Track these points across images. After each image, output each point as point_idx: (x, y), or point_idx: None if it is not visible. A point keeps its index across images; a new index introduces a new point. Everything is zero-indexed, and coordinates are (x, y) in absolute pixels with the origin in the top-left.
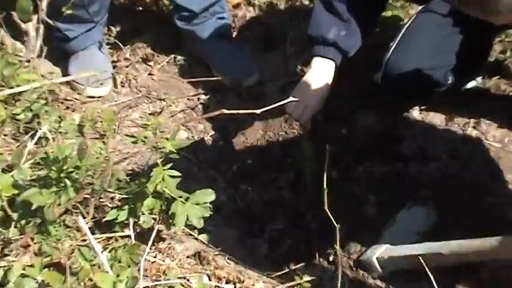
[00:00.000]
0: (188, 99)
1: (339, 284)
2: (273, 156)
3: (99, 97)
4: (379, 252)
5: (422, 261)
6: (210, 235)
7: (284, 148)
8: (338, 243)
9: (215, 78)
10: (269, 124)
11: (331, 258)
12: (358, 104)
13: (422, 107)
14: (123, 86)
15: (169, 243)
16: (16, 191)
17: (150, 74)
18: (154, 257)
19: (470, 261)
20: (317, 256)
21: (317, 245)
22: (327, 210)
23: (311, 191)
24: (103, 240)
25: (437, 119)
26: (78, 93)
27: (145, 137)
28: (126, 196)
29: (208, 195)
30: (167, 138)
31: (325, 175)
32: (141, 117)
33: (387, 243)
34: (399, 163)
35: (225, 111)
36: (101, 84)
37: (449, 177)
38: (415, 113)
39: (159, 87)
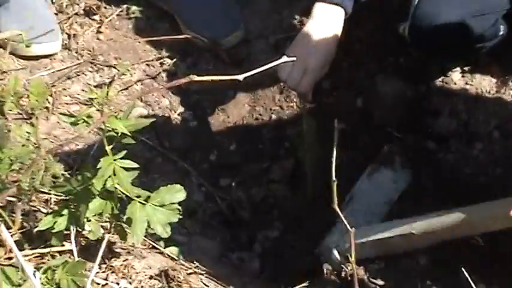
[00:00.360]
0: (147, 64)
1: None
2: (263, 139)
3: (47, 56)
4: (335, 240)
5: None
6: (180, 248)
7: (278, 129)
8: (353, 253)
9: (183, 36)
10: (258, 96)
11: (343, 273)
12: (377, 66)
13: (464, 68)
14: None
15: (125, 260)
16: None
17: (97, 33)
18: (106, 278)
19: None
20: (325, 271)
21: (324, 257)
22: (337, 210)
23: (314, 184)
24: (35, 257)
25: (485, 84)
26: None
27: (89, 117)
28: (65, 197)
29: (176, 194)
30: (119, 117)
31: (333, 163)
32: (83, 90)
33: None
34: (434, 144)
35: (196, 78)
36: (48, 39)
37: (499, 162)
38: (456, 77)
39: (107, 49)
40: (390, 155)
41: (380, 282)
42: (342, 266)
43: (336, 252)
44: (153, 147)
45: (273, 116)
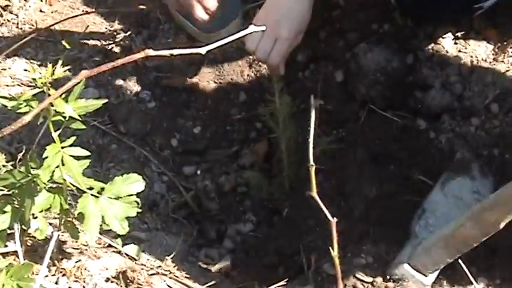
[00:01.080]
0: (98, 39)
1: None
2: (231, 121)
3: None
4: (409, 253)
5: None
6: (140, 246)
7: (248, 108)
8: (336, 247)
9: (139, 8)
10: (224, 72)
11: (327, 269)
12: (359, 33)
13: (457, 34)
14: None
15: (77, 261)
16: None
17: (40, 4)
18: (56, 282)
19: None
20: (305, 267)
21: (304, 252)
22: (317, 198)
23: (289, 169)
24: None
25: (481, 51)
26: None
27: (33, 99)
28: (7, 192)
29: (134, 184)
30: (66, 99)
31: (310, 144)
32: (25, 70)
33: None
34: (424, 121)
35: (152, 52)
36: None
37: (500, 139)
38: (447, 44)
39: (51, 21)
40: (464, 162)
41: (368, 279)
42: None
43: (408, 267)
44: (107, 132)
45: (242, 94)
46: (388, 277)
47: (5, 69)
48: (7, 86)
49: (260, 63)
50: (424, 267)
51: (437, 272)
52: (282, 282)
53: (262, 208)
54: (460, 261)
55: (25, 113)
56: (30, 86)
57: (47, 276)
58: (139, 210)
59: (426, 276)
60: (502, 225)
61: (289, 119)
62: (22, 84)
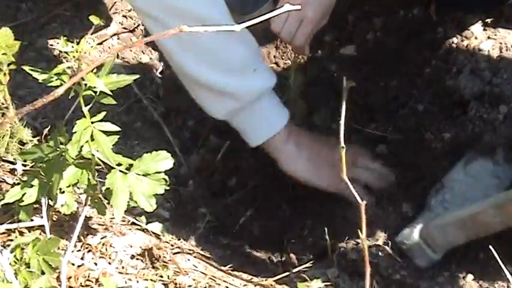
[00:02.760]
0: (124, 16)
1: None
2: None
3: None
4: (421, 226)
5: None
6: (166, 224)
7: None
8: (364, 230)
9: None
10: None
11: (351, 254)
12: (385, 19)
13: (486, 20)
14: None
15: (103, 237)
16: None
17: None
18: (82, 258)
19: None
20: (329, 250)
21: (329, 234)
22: (347, 180)
23: None
24: (1, 234)
25: (510, 38)
26: None
27: (65, 73)
28: (35, 167)
29: (162, 162)
30: (97, 74)
31: (342, 125)
32: (51, 45)
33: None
34: (454, 107)
35: (186, 28)
36: None
37: None
38: (477, 30)
39: None
40: (491, 145)
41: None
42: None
43: (419, 239)
44: (131, 109)
45: None
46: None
47: (31, 45)
48: (34, 59)
49: (285, 43)
50: (435, 243)
51: (446, 251)
52: (308, 264)
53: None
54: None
55: (56, 87)
56: (55, 62)
57: (73, 252)
58: (167, 188)
59: (435, 252)
60: None
61: (300, 97)
62: (48, 60)
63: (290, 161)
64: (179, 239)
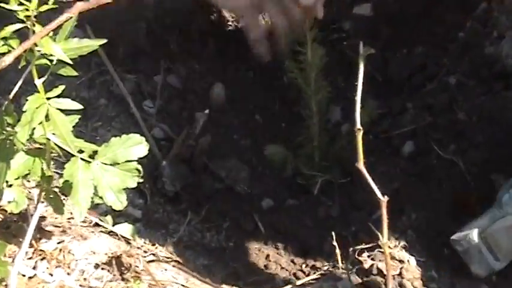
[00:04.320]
0: None
1: None
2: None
3: None
4: (485, 225)
5: None
6: (137, 225)
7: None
8: (385, 233)
9: None
10: None
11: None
12: None
13: None
14: None
15: (60, 242)
16: None
17: None
18: (34, 267)
19: None
20: (339, 257)
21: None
22: (364, 171)
23: (321, 138)
24: None
25: None
26: None
27: (13, 37)
28: None
29: (135, 147)
30: (54, 39)
31: (358, 102)
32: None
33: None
34: (494, 80)
35: None
36: None
37: None
38: None
39: None
40: None
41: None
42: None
43: (479, 241)
44: (93, 82)
45: None
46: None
47: None
48: None
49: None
50: (499, 248)
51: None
52: (315, 276)
53: (286, 186)
54: None
55: (2, 55)
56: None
57: (22, 259)
58: (141, 180)
59: (498, 260)
60: None
61: (320, 74)
62: None
63: None
64: (154, 245)
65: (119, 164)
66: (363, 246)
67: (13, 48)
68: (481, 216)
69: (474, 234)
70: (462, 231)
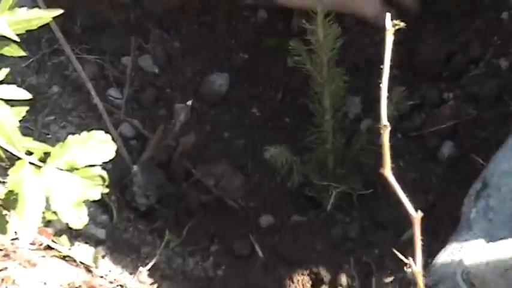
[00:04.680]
0: None
1: None
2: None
3: None
4: (464, 256)
5: None
6: (101, 248)
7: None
8: (419, 259)
9: None
10: None
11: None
12: None
13: None
14: None
15: (2, 270)
16: None
17: None
18: None
19: None
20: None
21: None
22: (391, 179)
23: (335, 138)
24: None
25: None
26: None
27: None
28: None
29: (98, 148)
30: None
31: (384, 90)
32: None
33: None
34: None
35: None
36: None
37: None
38: None
39: None
40: None
41: None
42: None
43: (460, 279)
44: (43, 65)
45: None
46: None
47: None
48: None
49: None
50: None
51: None
52: None
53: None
54: None
55: None
56: None
57: None
58: (106, 191)
59: None
60: None
61: (333, 59)
62: None
63: None
64: (122, 273)
65: (77, 169)
66: (390, 275)
67: None
68: (448, 244)
69: (456, 268)
70: (433, 268)
